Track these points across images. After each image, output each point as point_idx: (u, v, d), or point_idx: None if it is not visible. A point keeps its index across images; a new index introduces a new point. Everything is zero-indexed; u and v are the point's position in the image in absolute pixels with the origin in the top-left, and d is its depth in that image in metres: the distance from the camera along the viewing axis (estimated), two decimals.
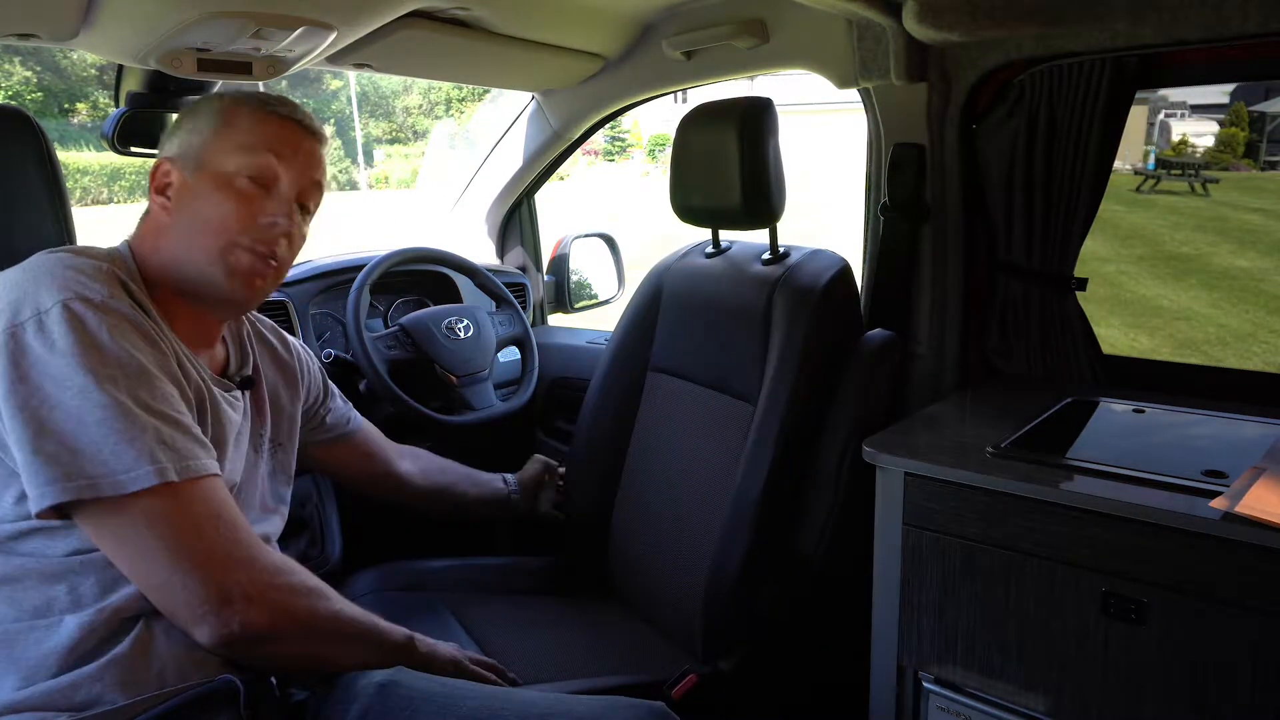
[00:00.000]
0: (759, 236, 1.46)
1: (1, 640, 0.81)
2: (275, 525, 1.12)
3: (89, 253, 0.90)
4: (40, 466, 0.77)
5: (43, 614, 0.82)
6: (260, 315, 1.20)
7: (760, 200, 1.32)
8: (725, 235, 1.54)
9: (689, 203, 1.45)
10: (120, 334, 0.82)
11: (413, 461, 1.43)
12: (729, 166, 1.32)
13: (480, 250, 2.18)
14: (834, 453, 1.27)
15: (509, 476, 1.54)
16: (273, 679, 0.95)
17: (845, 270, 1.36)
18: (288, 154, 0.98)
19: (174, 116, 1.51)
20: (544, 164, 2.06)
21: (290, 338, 1.23)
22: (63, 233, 1.13)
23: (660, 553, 1.45)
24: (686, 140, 1.43)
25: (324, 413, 1.28)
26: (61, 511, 0.79)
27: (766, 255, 1.44)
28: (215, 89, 1.52)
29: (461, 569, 1.53)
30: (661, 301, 1.56)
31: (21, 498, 0.81)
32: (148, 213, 1.00)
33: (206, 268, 0.94)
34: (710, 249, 1.55)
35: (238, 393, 1.04)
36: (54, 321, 0.79)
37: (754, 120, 1.31)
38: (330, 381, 1.32)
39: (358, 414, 1.37)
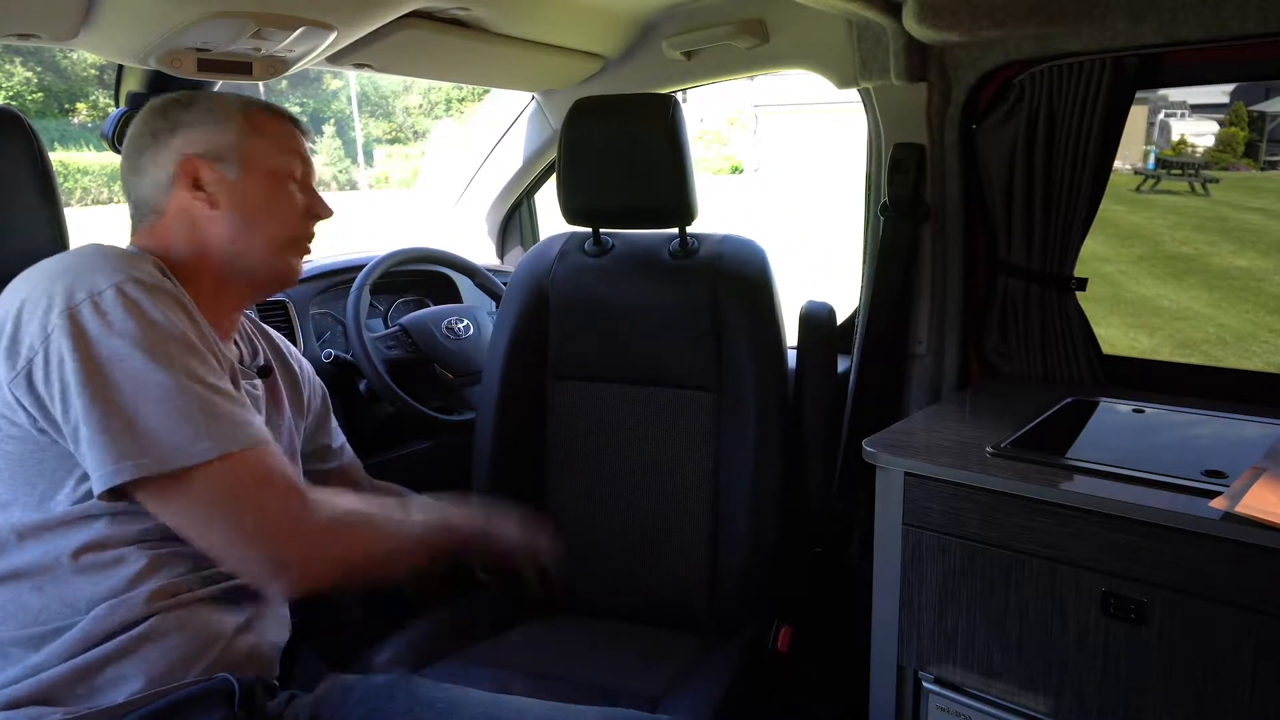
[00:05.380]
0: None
1: (30, 628, 0.83)
2: None
3: (126, 249, 0.94)
4: (107, 445, 0.79)
5: (70, 605, 0.84)
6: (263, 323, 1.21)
7: (688, 198, 1.37)
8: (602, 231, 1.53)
9: (593, 204, 1.44)
10: (170, 310, 0.86)
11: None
12: (657, 165, 1.35)
13: (480, 250, 2.19)
14: (819, 408, 1.43)
15: None
16: (276, 680, 0.95)
17: (764, 249, 1.46)
18: (304, 154, 1.06)
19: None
20: (544, 164, 2.06)
21: (293, 348, 1.24)
22: (57, 235, 1.12)
23: (643, 552, 1.45)
24: (586, 139, 1.39)
25: (328, 439, 1.25)
26: (123, 492, 0.81)
27: (675, 248, 1.46)
28: (215, 89, 1.52)
29: (399, 647, 1.29)
30: (550, 308, 1.49)
31: (75, 486, 0.83)
32: (157, 212, 0.99)
33: (268, 258, 1.02)
34: (592, 247, 1.51)
35: (256, 380, 1.08)
36: (109, 303, 0.82)
37: (676, 119, 1.34)
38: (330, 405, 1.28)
39: (349, 446, 1.32)
